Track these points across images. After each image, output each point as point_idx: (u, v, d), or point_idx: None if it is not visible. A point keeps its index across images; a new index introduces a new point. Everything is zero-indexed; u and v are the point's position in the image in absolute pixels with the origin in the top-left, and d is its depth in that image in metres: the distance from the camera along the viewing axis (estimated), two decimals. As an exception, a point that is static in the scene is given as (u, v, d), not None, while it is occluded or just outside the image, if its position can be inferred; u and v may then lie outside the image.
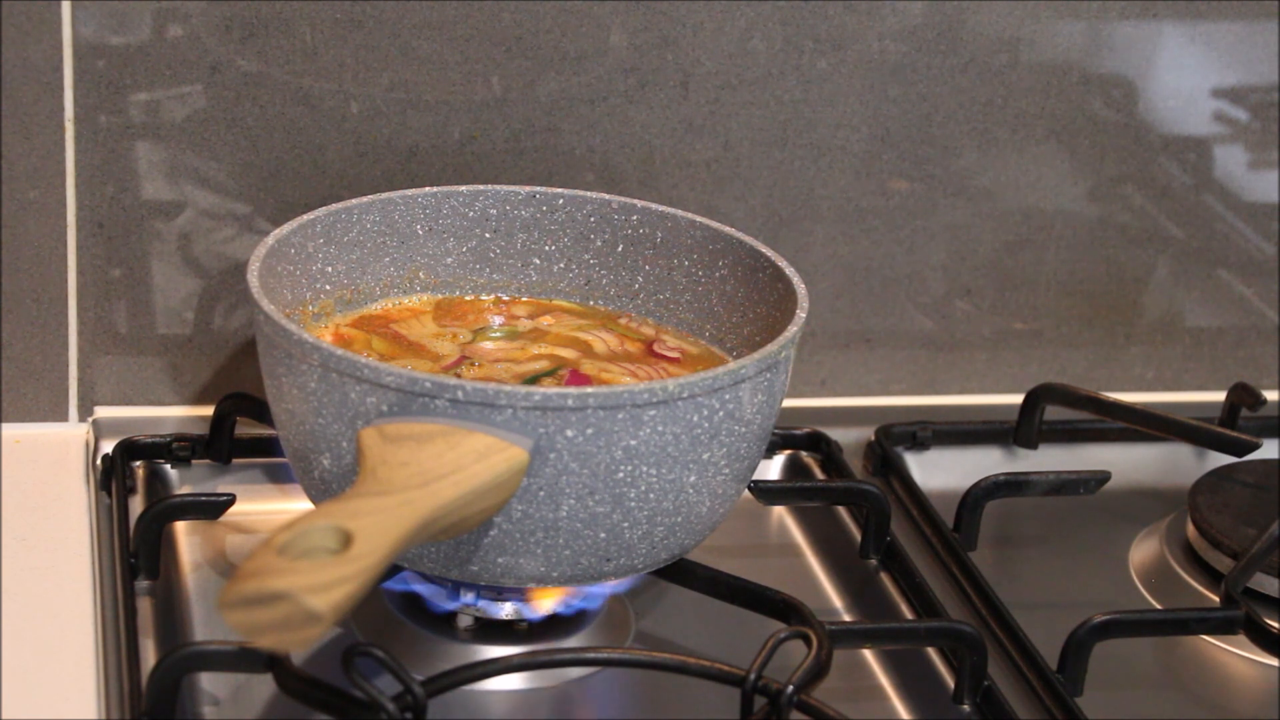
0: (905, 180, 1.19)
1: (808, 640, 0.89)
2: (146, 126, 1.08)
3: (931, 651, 0.98)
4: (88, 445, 1.10)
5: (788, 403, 0.97)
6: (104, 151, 1.08)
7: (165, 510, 0.99)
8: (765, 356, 0.90)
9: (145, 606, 0.97)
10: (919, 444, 1.17)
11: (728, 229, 1.03)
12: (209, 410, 1.09)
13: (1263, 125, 1.23)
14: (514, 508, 0.87)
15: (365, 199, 1.03)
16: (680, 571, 0.97)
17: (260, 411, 1.03)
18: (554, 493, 0.87)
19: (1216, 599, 1.03)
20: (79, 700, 0.90)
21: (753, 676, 0.85)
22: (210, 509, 1.00)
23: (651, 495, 0.89)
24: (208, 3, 1.06)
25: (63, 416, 1.12)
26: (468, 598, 0.95)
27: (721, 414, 0.89)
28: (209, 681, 0.91)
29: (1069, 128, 1.20)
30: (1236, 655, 1.02)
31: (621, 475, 0.87)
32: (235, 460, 1.08)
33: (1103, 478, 1.09)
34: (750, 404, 0.90)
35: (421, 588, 0.96)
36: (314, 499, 0.93)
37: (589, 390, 0.86)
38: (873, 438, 1.16)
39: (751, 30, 1.13)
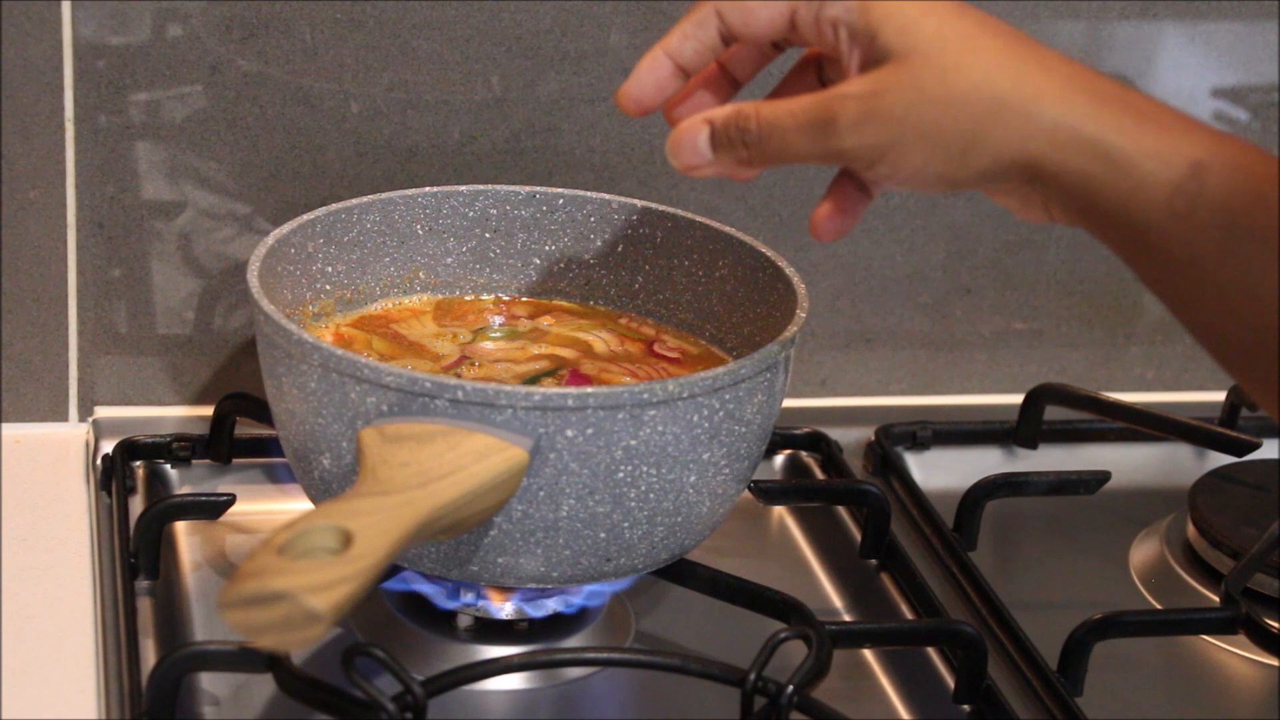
0: (905, 180, 1.19)
1: (808, 640, 0.89)
2: (146, 126, 1.08)
3: (931, 651, 0.98)
4: (88, 445, 1.10)
5: (788, 403, 0.97)
6: (104, 151, 1.08)
7: (165, 510, 0.99)
8: (765, 356, 0.90)
9: (145, 606, 0.97)
10: (919, 444, 1.17)
11: (728, 229, 1.03)
12: (209, 410, 1.09)
13: (1263, 125, 1.23)
14: (514, 508, 0.87)
15: (365, 199, 1.03)
16: (680, 571, 0.97)
17: (260, 411, 1.03)
18: (554, 493, 0.87)
19: (1216, 599, 1.03)
20: (79, 700, 0.90)
21: (753, 676, 0.85)
22: (210, 509, 1.00)
23: (651, 495, 0.89)
24: (208, 3, 1.06)
25: (63, 416, 1.12)
26: (468, 598, 0.95)
27: (721, 414, 0.89)
28: (209, 681, 0.91)
29: (1069, 128, 1.20)
30: (1236, 655, 1.02)
31: (621, 475, 0.87)
32: (235, 460, 1.08)
33: (1103, 478, 1.09)
34: (750, 404, 0.90)
35: (422, 587, 0.96)
36: (314, 499, 0.93)
37: (589, 390, 0.86)
38: (873, 438, 1.16)
39: (751, 30, 1.13)
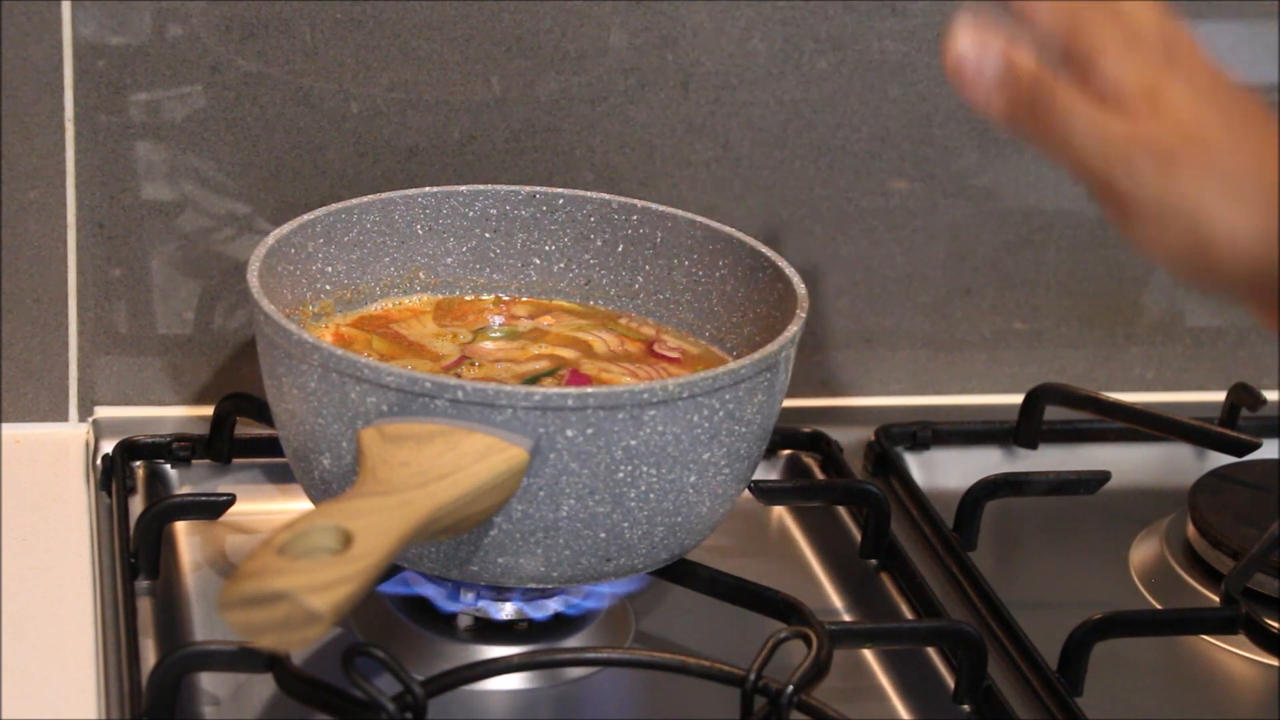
0: (905, 180, 1.19)
1: (808, 640, 0.89)
2: (146, 126, 1.08)
3: (931, 651, 0.98)
4: (88, 445, 1.10)
5: (788, 403, 0.97)
6: (104, 151, 1.08)
7: (165, 510, 0.99)
8: (765, 356, 0.90)
9: (145, 606, 0.97)
10: (919, 444, 1.17)
11: (728, 229, 1.03)
12: (209, 410, 1.09)
13: (1263, 125, 1.23)
14: (514, 508, 0.87)
15: (365, 199, 1.03)
16: (680, 571, 0.97)
17: (260, 411, 1.03)
18: (554, 493, 0.87)
19: (1216, 599, 1.03)
20: (79, 700, 0.90)
21: (753, 676, 0.85)
22: (210, 509, 1.00)
23: (651, 495, 0.89)
24: (208, 3, 1.06)
25: (63, 416, 1.12)
26: (468, 598, 0.95)
27: (721, 414, 0.89)
28: (209, 681, 0.91)
29: (1069, 128, 1.20)
30: (1236, 655, 1.02)
31: (621, 475, 0.87)
32: (235, 460, 1.08)
33: (1103, 478, 1.09)
34: (750, 404, 0.90)
35: (421, 588, 0.96)
36: (314, 499, 0.93)
37: (589, 390, 0.86)
38: (873, 438, 1.16)
39: (751, 30, 1.13)
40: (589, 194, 1.06)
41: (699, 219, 1.04)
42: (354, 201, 1.03)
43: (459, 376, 0.95)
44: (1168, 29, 0.76)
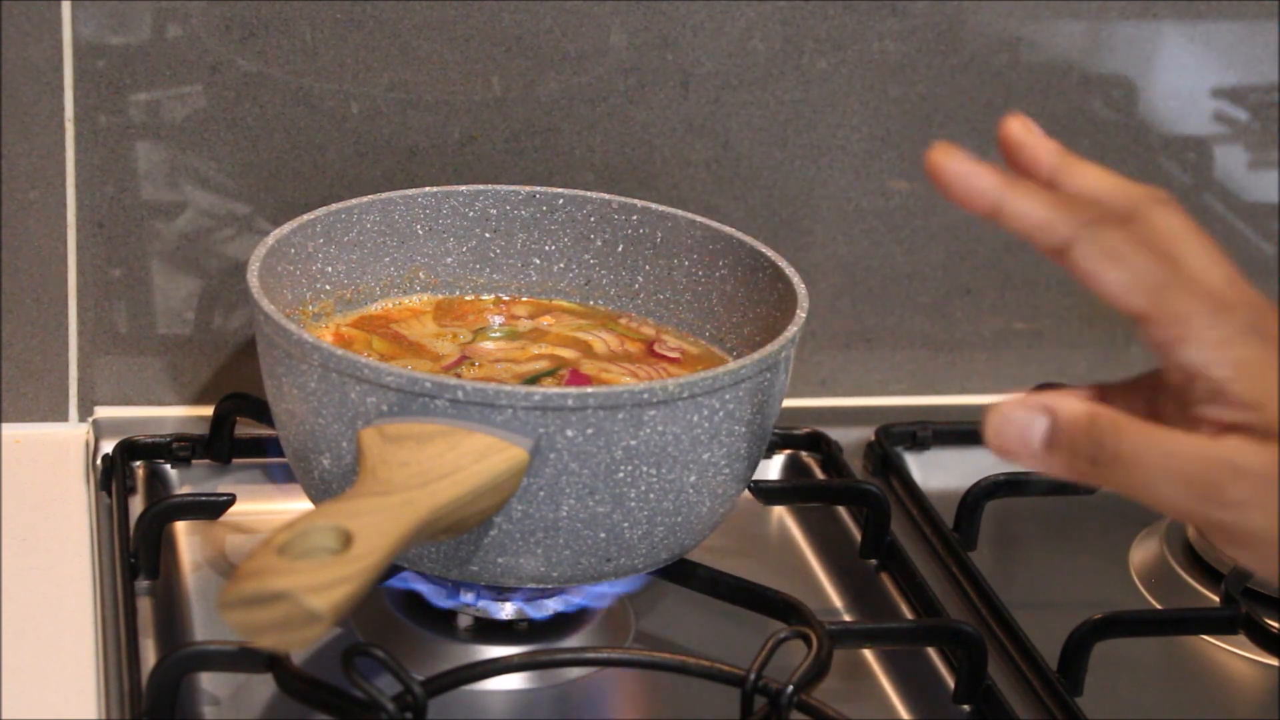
0: (905, 180, 1.19)
1: (808, 640, 0.89)
2: (146, 126, 1.08)
3: (931, 651, 0.98)
4: (88, 445, 1.10)
5: (788, 403, 0.97)
6: (104, 151, 1.08)
7: (165, 510, 0.99)
8: (765, 356, 0.90)
9: (145, 606, 0.97)
10: (919, 444, 1.17)
11: (728, 229, 1.03)
12: (209, 410, 1.09)
13: (1263, 125, 1.23)
14: (514, 508, 0.87)
15: (365, 199, 1.03)
16: (680, 571, 0.97)
17: (260, 411, 1.03)
18: (554, 493, 0.87)
19: (1216, 599, 1.03)
20: (79, 700, 0.90)
21: (753, 676, 0.85)
22: (210, 509, 1.00)
23: (651, 495, 0.89)
24: (208, 3, 1.06)
25: (63, 416, 1.12)
26: (468, 598, 0.95)
27: (721, 414, 0.89)
28: (209, 681, 0.91)
29: (1069, 128, 1.20)
30: (1236, 655, 1.02)
31: (621, 475, 0.87)
32: (235, 460, 1.08)
33: (1103, 478, 1.09)
34: (750, 404, 0.90)
35: (421, 586, 0.96)
36: (314, 499, 0.93)
37: (589, 390, 0.86)
38: (873, 438, 1.16)
39: (751, 30, 1.13)
40: (589, 194, 1.06)
41: (699, 219, 1.04)
42: (354, 201, 1.03)
43: (459, 376, 0.95)
44: (1255, 303, 0.67)
